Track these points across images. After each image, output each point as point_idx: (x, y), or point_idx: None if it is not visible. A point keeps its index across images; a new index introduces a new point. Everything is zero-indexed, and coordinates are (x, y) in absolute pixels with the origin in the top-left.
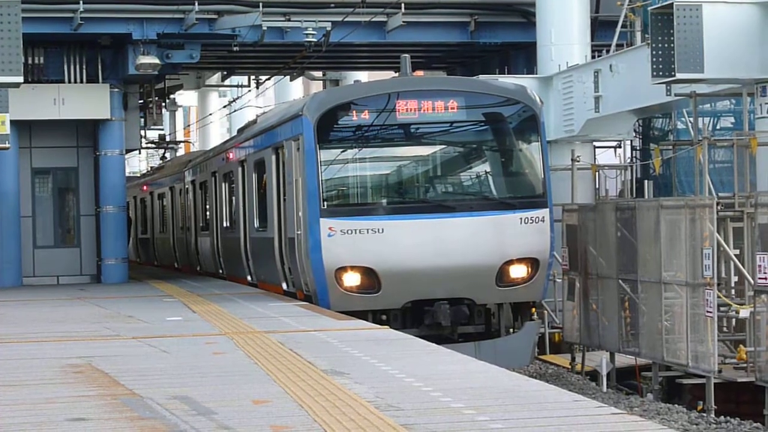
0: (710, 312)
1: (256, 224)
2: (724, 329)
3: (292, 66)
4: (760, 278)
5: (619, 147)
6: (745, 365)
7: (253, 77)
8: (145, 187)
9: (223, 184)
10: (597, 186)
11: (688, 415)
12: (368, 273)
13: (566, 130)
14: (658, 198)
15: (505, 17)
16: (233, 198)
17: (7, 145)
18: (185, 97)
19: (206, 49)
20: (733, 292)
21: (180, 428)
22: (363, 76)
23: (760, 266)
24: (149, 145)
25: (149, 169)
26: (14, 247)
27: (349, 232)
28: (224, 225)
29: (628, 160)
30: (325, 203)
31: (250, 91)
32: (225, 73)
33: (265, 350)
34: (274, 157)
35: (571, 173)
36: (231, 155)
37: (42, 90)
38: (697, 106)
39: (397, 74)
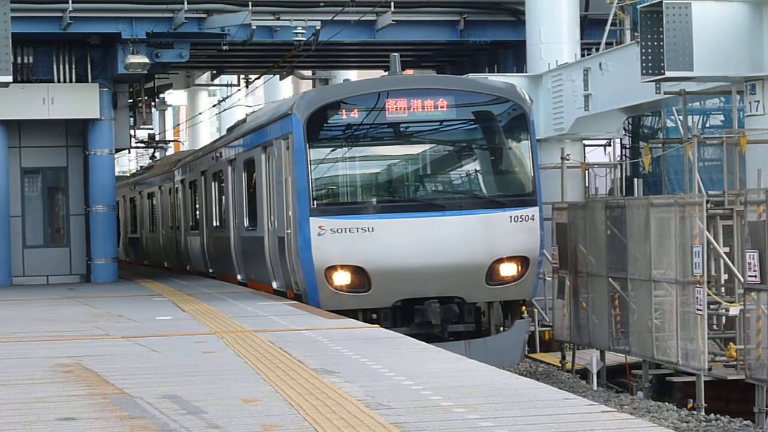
0: (700, 310)
1: (246, 223)
2: (714, 327)
3: (282, 65)
4: (749, 276)
5: (609, 145)
6: (735, 363)
7: (242, 76)
8: (134, 187)
9: (213, 184)
10: (587, 184)
11: (678, 413)
12: (358, 272)
13: (556, 129)
14: (648, 196)
15: (495, 16)
16: (223, 197)
17: None
18: (175, 97)
19: (195, 49)
20: (723, 289)
21: (170, 427)
22: (352, 75)
23: (749, 264)
24: (139, 144)
25: (139, 168)
26: (4, 246)
27: (339, 231)
28: (214, 224)
29: (618, 159)
30: (315, 202)
31: (239, 90)
32: (214, 72)
33: (255, 349)
34: (263, 156)
35: (561, 171)
36: (220, 154)
37: (31, 89)
38: (686, 104)
39: (386, 73)
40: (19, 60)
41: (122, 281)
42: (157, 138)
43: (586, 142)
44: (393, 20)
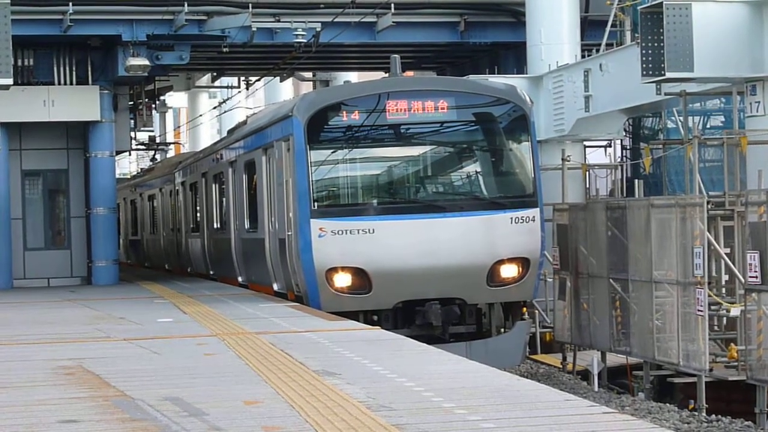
0: (701, 311)
1: (247, 225)
2: (715, 328)
3: (282, 67)
4: (750, 277)
5: (610, 146)
6: (736, 364)
7: (243, 78)
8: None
9: (214, 186)
10: (587, 185)
11: (679, 414)
12: (359, 273)
13: (556, 130)
14: (649, 197)
15: (495, 17)
16: (223, 199)
17: None
18: (175, 99)
19: (196, 51)
20: (723, 290)
21: (171, 429)
22: (353, 76)
23: (750, 265)
24: (139, 146)
25: (139, 170)
26: (4, 249)
27: (340, 232)
28: (215, 226)
29: (619, 160)
30: (316, 204)
31: (240, 92)
32: (215, 74)
33: (256, 351)
34: (264, 158)
35: (562, 173)
36: (221, 156)
37: (32, 92)
38: (687, 105)
39: (387, 75)
40: (19, 62)
41: (123, 283)
42: (158, 140)
43: (586, 143)
44: (393, 22)
